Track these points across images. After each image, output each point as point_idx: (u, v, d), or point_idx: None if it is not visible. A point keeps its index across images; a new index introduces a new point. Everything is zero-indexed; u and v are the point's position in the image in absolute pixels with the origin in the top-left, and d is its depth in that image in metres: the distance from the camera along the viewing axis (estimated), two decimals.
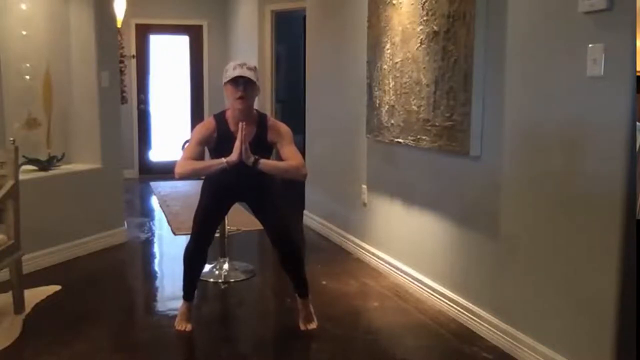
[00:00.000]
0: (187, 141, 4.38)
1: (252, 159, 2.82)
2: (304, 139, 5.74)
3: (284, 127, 3.07)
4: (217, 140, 2.98)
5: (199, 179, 3.19)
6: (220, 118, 3.01)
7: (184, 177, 2.94)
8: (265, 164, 2.88)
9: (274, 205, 3.09)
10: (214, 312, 3.54)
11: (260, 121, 3.02)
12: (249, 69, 2.90)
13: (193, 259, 3.12)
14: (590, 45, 2.32)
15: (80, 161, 4.64)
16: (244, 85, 2.88)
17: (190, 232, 3.15)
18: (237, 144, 2.81)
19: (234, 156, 2.81)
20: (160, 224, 5.71)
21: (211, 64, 8.63)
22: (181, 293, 3.17)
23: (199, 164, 2.93)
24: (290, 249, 3.12)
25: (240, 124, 2.82)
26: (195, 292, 3.20)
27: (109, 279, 4.07)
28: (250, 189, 3.06)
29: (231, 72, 2.90)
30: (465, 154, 3.10)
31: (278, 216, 3.10)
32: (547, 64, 2.58)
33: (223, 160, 2.84)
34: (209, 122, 3.05)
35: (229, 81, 2.89)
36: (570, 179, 2.48)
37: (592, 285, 2.39)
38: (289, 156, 2.97)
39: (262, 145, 2.97)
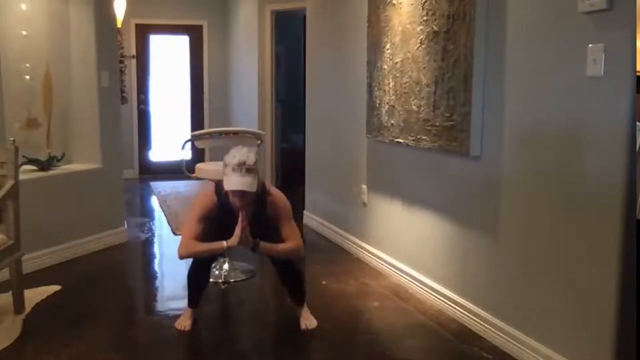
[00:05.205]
0: (187, 140, 4.41)
1: (251, 244, 2.91)
2: (304, 139, 5.74)
3: (282, 203, 3.04)
4: (217, 214, 2.99)
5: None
6: (221, 192, 2.97)
7: (186, 258, 3.04)
8: (264, 247, 2.96)
9: (272, 237, 3.06)
10: (214, 312, 3.54)
11: (258, 198, 2.98)
12: (249, 170, 2.82)
13: (198, 277, 3.17)
14: (590, 45, 2.32)
15: (80, 161, 4.64)
16: (243, 195, 2.87)
17: None
18: (237, 232, 2.88)
19: (234, 242, 2.90)
20: (160, 224, 5.71)
21: (211, 64, 8.64)
22: (182, 292, 3.19)
23: (202, 248, 2.97)
24: (289, 267, 3.16)
25: (240, 213, 2.87)
26: (200, 301, 3.22)
27: (109, 279, 4.07)
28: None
29: (230, 174, 2.82)
30: (465, 154, 3.10)
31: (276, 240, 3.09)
32: (547, 64, 2.58)
33: (224, 244, 2.92)
34: (210, 197, 3.02)
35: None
36: (570, 179, 2.48)
37: (592, 285, 2.39)
38: (287, 236, 3.01)
39: (261, 220, 3.00)
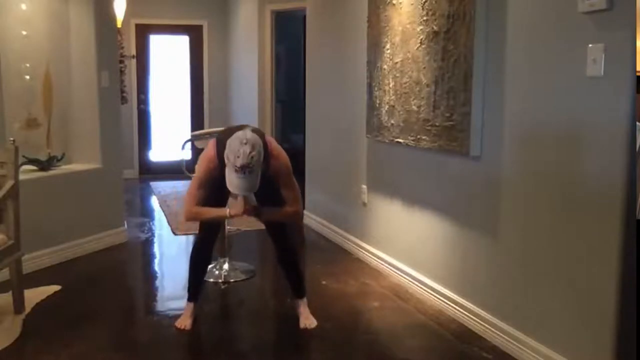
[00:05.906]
0: (187, 140, 4.40)
1: (254, 213, 2.99)
2: (304, 139, 5.74)
3: (283, 164, 2.98)
4: (219, 177, 2.89)
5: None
6: (222, 153, 2.85)
7: (192, 221, 3.13)
8: (266, 214, 3.04)
9: (274, 199, 3.05)
10: (214, 312, 3.54)
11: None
12: (251, 172, 2.73)
13: (198, 255, 3.19)
14: (590, 45, 2.32)
15: (80, 161, 4.65)
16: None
17: (190, 232, 3.18)
18: (240, 200, 2.97)
19: (238, 211, 2.97)
20: (160, 224, 5.71)
21: (211, 64, 8.64)
22: (182, 292, 3.19)
23: (205, 215, 3.04)
24: (290, 258, 3.22)
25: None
26: (200, 294, 3.23)
27: (109, 279, 4.07)
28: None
29: (232, 173, 2.74)
30: (465, 154, 3.10)
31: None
32: (547, 64, 2.58)
33: (227, 212, 2.99)
34: (212, 162, 2.95)
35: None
36: (570, 179, 2.48)
37: (592, 285, 2.39)
38: (287, 200, 3.01)
39: (263, 184, 2.95)
